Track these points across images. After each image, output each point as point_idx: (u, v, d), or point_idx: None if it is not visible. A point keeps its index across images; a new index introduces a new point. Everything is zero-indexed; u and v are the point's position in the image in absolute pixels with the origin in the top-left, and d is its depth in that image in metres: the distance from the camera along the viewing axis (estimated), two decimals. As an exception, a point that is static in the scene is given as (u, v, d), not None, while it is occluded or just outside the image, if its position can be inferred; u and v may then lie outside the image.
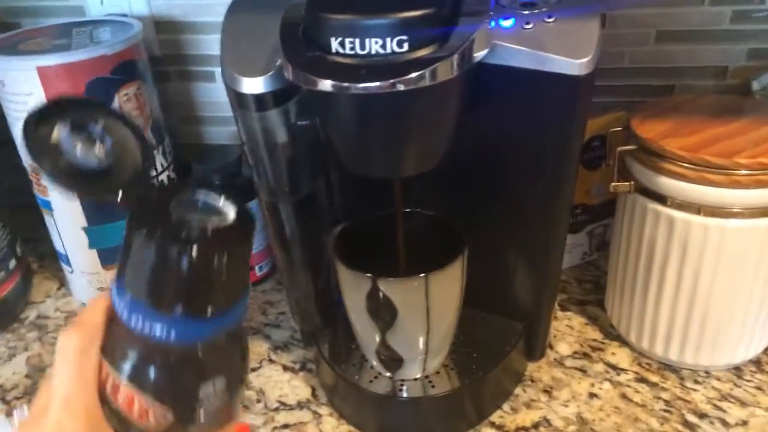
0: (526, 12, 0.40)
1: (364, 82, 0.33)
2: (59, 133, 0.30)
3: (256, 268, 0.65)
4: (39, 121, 0.30)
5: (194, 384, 0.31)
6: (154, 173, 0.61)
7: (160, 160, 0.61)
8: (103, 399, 0.32)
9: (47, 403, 0.30)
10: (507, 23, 0.40)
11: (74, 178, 0.30)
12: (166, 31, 0.70)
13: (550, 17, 0.40)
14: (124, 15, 0.68)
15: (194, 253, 0.28)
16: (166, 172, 0.62)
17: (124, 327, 0.30)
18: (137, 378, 0.31)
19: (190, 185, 0.31)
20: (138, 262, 0.29)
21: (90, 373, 0.30)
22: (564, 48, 0.39)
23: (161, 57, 0.71)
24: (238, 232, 0.30)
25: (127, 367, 0.31)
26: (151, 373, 0.31)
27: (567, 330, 0.57)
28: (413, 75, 0.33)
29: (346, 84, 0.33)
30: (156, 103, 0.61)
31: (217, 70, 0.71)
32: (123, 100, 0.56)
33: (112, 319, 0.32)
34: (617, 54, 0.65)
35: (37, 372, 0.57)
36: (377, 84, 0.33)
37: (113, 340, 0.32)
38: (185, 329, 0.30)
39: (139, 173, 0.32)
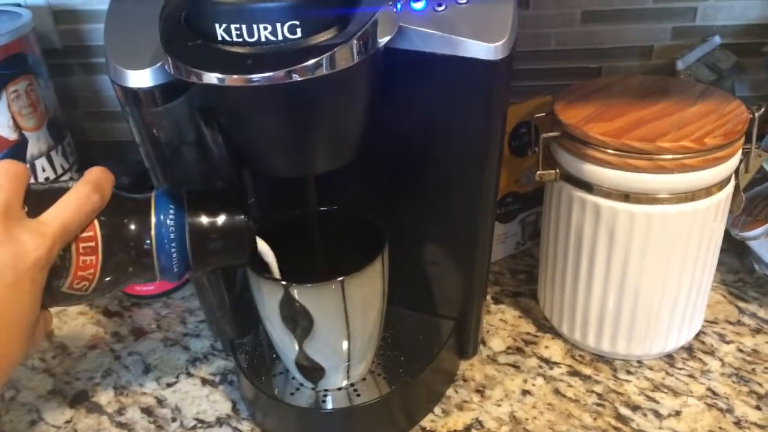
0: (438, -7, 0.37)
1: (254, 72, 0.30)
2: None
3: (174, 273, 0.61)
4: None
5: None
6: (53, 176, 0.56)
7: (59, 161, 0.56)
8: None
9: None
10: (418, 5, 0.37)
11: None
12: (66, 20, 0.64)
13: (463, -1, 0.37)
14: (18, 5, 0.62)
15: None
16: (68, 174, 0.57)
17: None
18: None
19: None
20: None
21: None
22: (477, 31, 0.36)
23: (61, 49, 0.66)
24: None
25: None
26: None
27: (500, 324, 0.55)
28: (309, 63, 0.30)
29: (234, 76, 0.30)
30: (53, 99, 0.56)
31: (125, 62, 0.66)
32: (12, 97, 0.51)
33: None
34: (543, 36, 0.63)
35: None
36: (269, 74, 0.30)
37: None
38: None
39: None
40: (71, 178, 0.58)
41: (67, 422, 0.49)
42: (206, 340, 0.56)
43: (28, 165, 0.53)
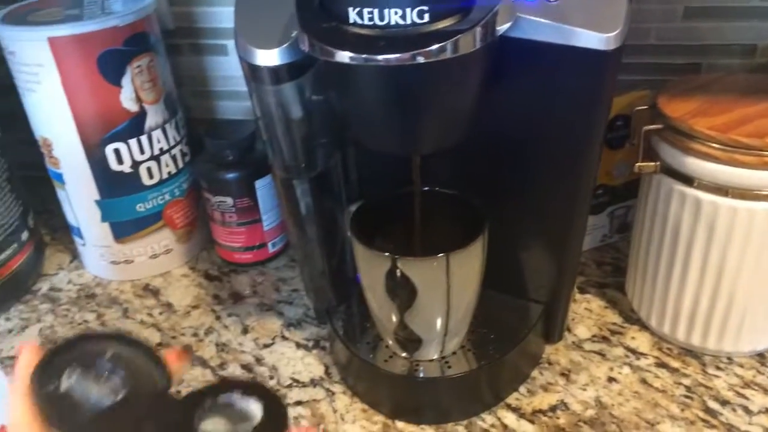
0: (552, -17, 0.38)
1: (383, 53, 0.32)
2: (67, 383, 0.29)
3: (269, 244, 0.64)
4: (42, 375, 0.29)
5: None
6: (166, 148, 0.60)
7: (172, 134, 0.60)
8: None
9: None
10: (532, -5, 0.38)
11: (90, 422, 0.29)
12: (179, 3, 0.68)
13: (577, -11, 0.38)
14: (137, -15, 0.66)
15: None
16: (179, 146, 0.62)
17: None
18: None
19: (214, 390, 0.31)
20: None
21: None
22: (591, 21, 0.37)
23: (174, 30, 0.70)
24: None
25: None
26: None
27: (585, 313, 0.56)
28: (434, 47, 0.32)
29: (364, 55, 0.32)
30: (169, 76, 0.60)
31: (230, 44, 0.70)
32: (135, 72, 0.55)
33: None
34: (643, 30, 0.62)
35: (50, 343, 0.56)
36: (396, 56, 0.32)
37: None
38: None
39: (159, 392, 0.31)
40: (181, 151, 0.62)
41: (175, 373, 0.53)
42: (299, 308, 0.59)
43: (145, 136, 0.57)
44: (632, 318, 0.55)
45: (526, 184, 0.46)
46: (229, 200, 0.61)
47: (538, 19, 0.37)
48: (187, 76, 0.73)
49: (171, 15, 0.69)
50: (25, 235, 0.61)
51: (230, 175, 0.60)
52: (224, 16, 0.68)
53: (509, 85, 0.40)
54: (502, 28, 0.35)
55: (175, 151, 0.61)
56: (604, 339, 0.53)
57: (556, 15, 0.37)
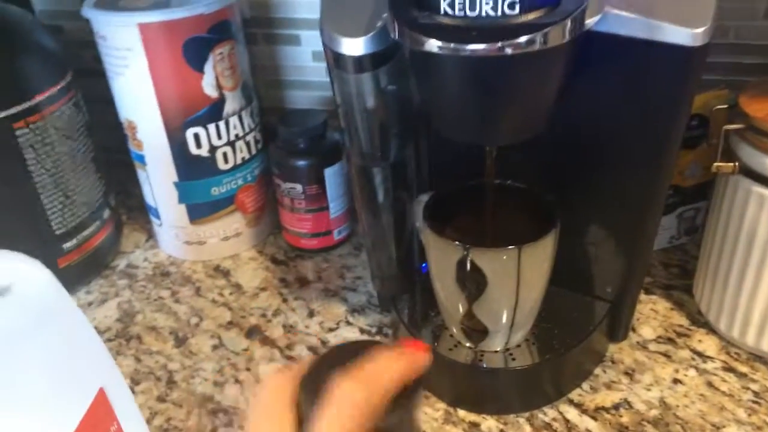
0: (638, -22, 0.38)
1: (474, 43, 0.32)
2: None
3: (335, 232, 0.66)
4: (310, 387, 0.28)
5: None
6: (242, 134, 0.62)
7: (247, 121, 0.62)
8: None
9: None
10: (617, -11, 0.38)
11: None
12: (257, -8, 0.71)
13: (664, -16, 0.38)
14: (218, -24, 0.68)
15: None
16: (253, 133, 0.64)
17: None
18: None
19: None
20: None
21: None
22: (678, 16, 0.37)
23: (249, 19, 0.72)
24: None
25: None
26: None
27: (651, 314, 0.55)
28: (523, 39, 0.32)
29: (454, 45, 0.33)
30: (246, 64, 0.62)
31: (303, 34, 0.71)
32: (217, 59, 0.57)
33: None
34: (722, 29, 0.61)
35: (128, 316, 0.59)
36: (485, 46, 0.33)
37: None
38: None
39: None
40: (255, 138, 0.63)
41: (245, 350, 0.55)
42: (362, 295, 0.60)
43: (223, 121, 0.59)
44: (699, 321, 0.54)
45: (601, 181, 0.46)
46: (299, 187, 0.62)
47: (624, 13, 0.37)
48: (260, 66, 0.75)
49: (248, 4, 0.71)
50: (106, 214, 0.64)
51: (301, 163, 0.62)
52: (299, 7, 0.70)
53: (590, 79, 0.40)
54: (590, 21, 0.35)
55: (250, 137, 0.63)
56: (670, 340, 0.53)
57: (642, 9, 0.37)
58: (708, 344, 0.52)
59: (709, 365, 0.50)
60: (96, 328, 0.58)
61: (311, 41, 0.71)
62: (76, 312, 0.31)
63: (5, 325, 0.26)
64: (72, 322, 0.31)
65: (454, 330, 0.48)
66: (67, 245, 0.60)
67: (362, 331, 0.56)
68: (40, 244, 0.58)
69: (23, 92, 0.53)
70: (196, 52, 0.56)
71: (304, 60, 0.73)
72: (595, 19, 0.35)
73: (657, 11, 0.37)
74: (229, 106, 0.60)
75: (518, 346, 0.48)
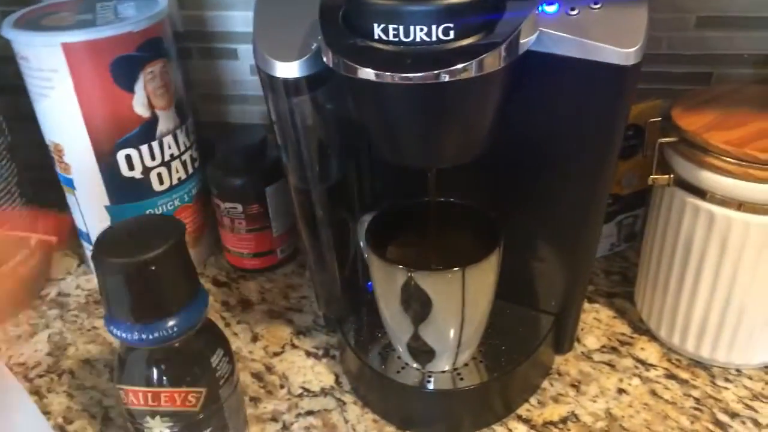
0: (571, -3, 0.39)
1: (409, 72, 0.32)
2: None
3: (278, 251, 0.64)
4: None
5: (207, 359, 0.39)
6: (177, 153, 0.60)
7: (183, 140, 0.60)
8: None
9: None
10: (551, 9, 0.38)
11: None
12: (190, 6, 0.68)
13: (596, 3, 0.38)
14: (148, -11, 0.66)
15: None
16: (189, 152, 0.61)
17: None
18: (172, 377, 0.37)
19: None
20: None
21: None
22: (611, 36, 0.37)
23: (183, 33, 0.70)
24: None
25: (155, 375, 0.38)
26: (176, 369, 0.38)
27: (594, 323, 0.56)
28: (459, 66, 0.32)
29: (389, 73, 0.32)
30: (180, 81, 0.60)
31: (241, 48, 0.69)
32: (148, 78, 0.55)
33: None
34: (655, 39, 0.63)
35: (59, 349, 0.56)
36: (421, 75, 0.32)
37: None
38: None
39: None
40: (191, 156, 0.62)
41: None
42: (308, 315, 0.59)
43: (156, 141, 0.57)
44: (641, 328, 0.55)
45: (541, 195, 0.46)
46: (239, 206, 0.61)
47: (558, 33, 0.37)
48: (196, 80, 0.73)
49: (181, 18, 0.69)
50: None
51: (241, 182, 0.60)
52: (235, 20, 0.68)
53: (526, 97, 0.40)
54: (525, 42, 0.35)
55: (186, 156, 0.61)
56: (614, 350, 0.54)
57: (575, 28, 0.37)
58: (650, 352, 0.53)
59: (651, 373, 0.51)
60: (24, 364, 0.55)
61: (249, 55, 0.69)
62: (7, 374, 0.29)
63: None
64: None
65: (401, 351, 0.48)
66: (-8, 276, 0.56)
67: (308, 354, 0.55)
68: (-38, 277, 0.54)
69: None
70: (124, 72, 0.53)
71: (242, 74, 0.71)
72: (531, 39, 0.35)
73: (590, 30, 0.37)
74: (163, 126, 0.58)
75: (466, 365, 0.48)
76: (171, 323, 0.36)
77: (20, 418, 0.30)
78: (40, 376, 0.54)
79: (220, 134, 0.63)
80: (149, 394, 0.37)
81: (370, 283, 0.53)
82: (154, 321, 0.36)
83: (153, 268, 0.34)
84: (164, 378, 0.37)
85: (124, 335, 0.36)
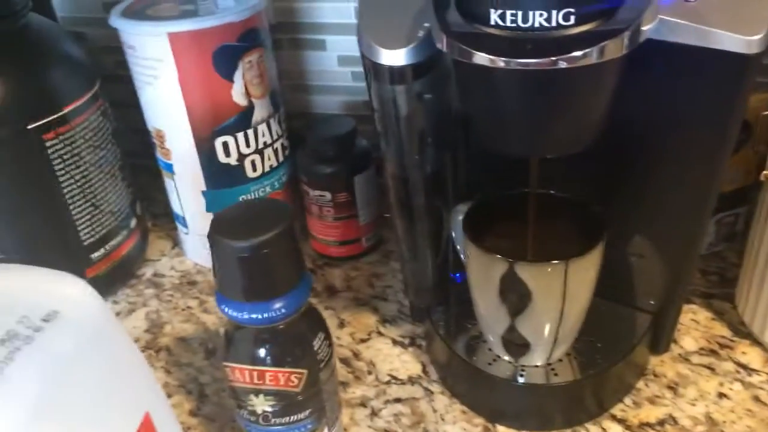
0: (689, -16, 0.37)
1: (529, 57, 0.31)
2: None
3: (364, 239, 0.65)
4: None
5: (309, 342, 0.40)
6: (269, 141, 0.61)
7: (275, 128, 0.61)
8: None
9: None
10: (667, -5, 0.37)
11: None
12: (282, -2, 0.70)
13: (717, -11, 0.37)
14: (242, -19, 0.67)
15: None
16: (281, 140, 0.63)
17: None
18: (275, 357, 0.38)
19: None
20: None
21: None
22: (733, 23, 0.35)
23: (274, 24, 0.71)
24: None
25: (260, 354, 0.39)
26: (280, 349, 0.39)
27: (692, 324, 0.54)
28: (581, 52, 0.31)
29: (506, 59, 0.32)
30: (274, 71, 0.61)
31: (329, 39, 0.70)
32: (246, 67, 0.56)
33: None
34: None
35: (156, 327, 0.59)
36: (539, 60, 0.31)
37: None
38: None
39: None
40: (282, 145, 0.63)
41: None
42: (393, 304, 0.59)
43: (251, 129, 0.59)
44: (742, 332, 0.53)
45: (648, 189, 0.44)
46: (328, 194, 0.62)
47: (677, 20, 0.36)
48: (284, 70, 0.74)
49: (273, 10, 0.70)
50: (133, 222, 0.63)
51: (330, 170, 0.61)
52: (324, 12, 0.69)
53: (638, 86, 0.39)
54: (646, 30, 0.34)
55: (277, 144, 0.62)
56: (713, 352, 0.51)
57: (694, 15, 0.36)
58: (752, 356, 0.51)
59: (754, 378, 0.49)
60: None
61: (337, 46, 0.70)
62: (124, 336, 0.30)
63: (53, 351, 0.25)
64: (119, 346, 0.30)
65: (494, 343, 0.47)
66: (95, 255, 0.59)
67: (395, 342, 0.55)
68: (69, 255, 0.57)
69: (53, 103, 0.52)
70: (225, 61, 0.55)
71: (330, 65, 0.72)
72: (651, 26, 0.34)
73: (710, 18, 0.36)
74: (258, 114, 0.59)
75: (560, 360, 0.47)
76: (278, 305, 0.37)
77: (141, 388, 0.32)
78: (141, 351, 0.56)
79: (310, 123, 0.64)
80: (255, 373, 0.38)
81: (458, 274, 0.53)
82: (264, 302, 0.37)
83: (266, 251, 0.35)
84: (269, 357, 0.38)
85: (234, 314, 0.37)
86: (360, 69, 0.42)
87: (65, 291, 0.28)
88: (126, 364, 0.30)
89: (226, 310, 0.37)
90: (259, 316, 0.37)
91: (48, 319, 0.27)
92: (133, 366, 0.31)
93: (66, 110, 0.53)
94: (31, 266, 0.29)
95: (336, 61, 0.72)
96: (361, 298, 0.61)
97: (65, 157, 0.54)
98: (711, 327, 0.54)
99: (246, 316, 0.37)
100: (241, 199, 0.61)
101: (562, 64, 0.31)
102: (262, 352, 0.38)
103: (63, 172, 0.54)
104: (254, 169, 0.61)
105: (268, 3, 0.68)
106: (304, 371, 0.39)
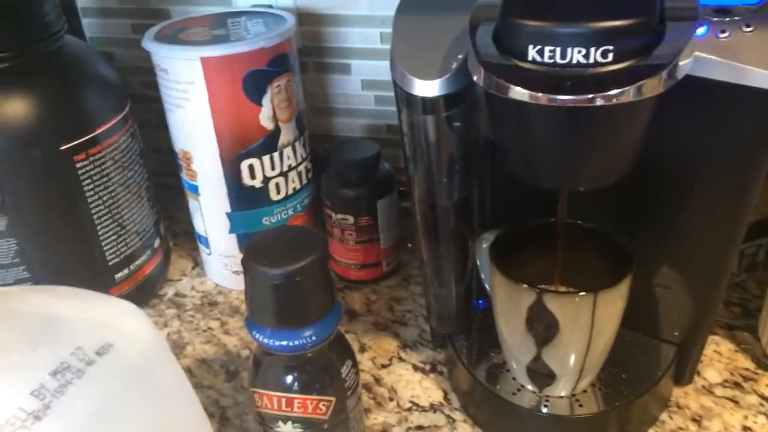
0: (720, 19, 0.38)
1: (566, 94, 0.32)
2: None
3: (384, 263, 0.65)
4: None
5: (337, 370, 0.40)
6: (294, 164, 0.62)
7: (300, 151, 0.62)
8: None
9: None
10: (699, 30, 0.37)
11: None
12: (308, 23, 0.71)
13: (748, 26, 0.37)
14: (270, 6, 0.69)
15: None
16: (304, 163, 0.63)
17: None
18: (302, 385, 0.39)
19: None
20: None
21: None
22: (766, 60, 0.36)
23: (301, 48, 0.72)
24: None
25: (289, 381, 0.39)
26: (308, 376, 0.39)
27: (715, 356, 0.54)
28: (618, 91, 0.32)
29: (544, 95, 0.32)
30: (301, 95, 0.62)
31: (354, 63, 0.71)
32: (275, 91, 0.57)
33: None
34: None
35: (178, 348, 0.59)
36: (576, 97, 0.32)
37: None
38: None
39: None
40: (306, 168, 0.63)
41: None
42: (414, 329, 0.60)
43: (277, 152, 0.59)
44: (765, 364, 0.53)
45: (676, 221, 0.45)
46: (351, 218, 0.62)
47: (711, 57, 0.36)
48: (309, 93, 0.75)
49: (299, 34, 0.71)
50: (157, 242, 0.64)
51: (354, 194, 0.61)
52: (350, 36, 0.70)
53: (670, 120, 0.39)
54: (683, 65, 0.34)
55: (301, 167, 0.63)
56: (737, 385, 0.51)
57: (726, 51, 0.36)
58: (777, 390, 0.50)
59: (780, 413, 0.49)
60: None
61: (361, 70, 0.71)
62: (176, 370, 0.30)
63: (103, 388, 0.26)
64: (171, 380, 0.30)
65: (518, 372, 0.47)
66: (119, 275, 0.60)
67: (416, 368, 0.55)
68: (94, 275, 0.58)
69: (86, 124, 0.53)
70: (255, 85, 0.56)
71: (354, 88, 0.73)
72: (688, 63, 0.35)
73: (742, 54, 0.36)
74: (284, 137, 0.60)
75: (584, 391, 0.47)
76: (309, 332, 0.37)
77: (189, 421, 0.32)
78: (161, 372, 0.57)
79: (334, 147, 0.65)
80: (283, 400, 0.38)
81: (481, 301, 0.53)
82: (294, 329, 0.37)
83: (299, 279, 0.35)
84: (297, 384, 0.39)
85: (265, 340, 0.37)
86: (383, 93, 0.43)
87: (122, 322, 0.29)
88: (175, 398, 0.31)
89: (257, 336, 0.38)
90: (290, 344, 0.37)
91: (102, 352, 0.27)
92: (183, 401, 0.31)
93: (98, 131, 0.54)
94: (93, 292, 0.29)
95: (360, 85, 0.72)
96: (381, 323, 0.61)
97: (95, 177, 0.55)
98: (734, 359, 0.54)
99: (276, 343, 0.37)
100: (263, 221, 0.62)
101: (600, 102, 0.32)
102: (290, 378, 0.39)
103: (92, 192, 0.55)
104: (278, 192, 0.61)
105: (296, 28, 0.70)
106: (332, 399, 0.39)
